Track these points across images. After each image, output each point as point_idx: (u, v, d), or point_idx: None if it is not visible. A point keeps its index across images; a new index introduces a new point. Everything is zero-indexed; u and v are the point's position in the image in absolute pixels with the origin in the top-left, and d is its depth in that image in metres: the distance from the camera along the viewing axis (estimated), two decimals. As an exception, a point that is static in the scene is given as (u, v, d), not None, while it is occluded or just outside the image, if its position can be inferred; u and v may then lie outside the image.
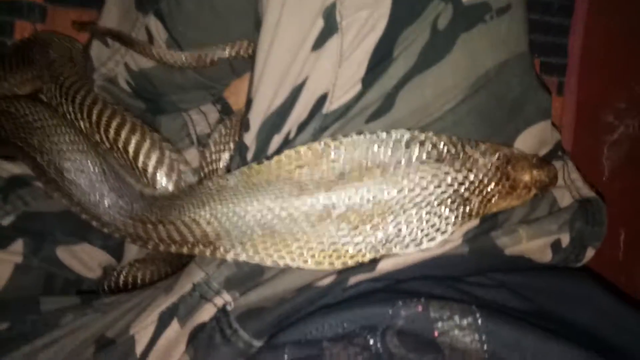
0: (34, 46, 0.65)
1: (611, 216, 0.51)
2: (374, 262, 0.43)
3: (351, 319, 0.36)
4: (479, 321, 0.34)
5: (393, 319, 0.34)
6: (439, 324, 0.34)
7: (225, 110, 0.63)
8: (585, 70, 0.73)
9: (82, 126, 0.54)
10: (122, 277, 0.61)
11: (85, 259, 0.55)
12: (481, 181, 0.43)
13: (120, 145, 0.53)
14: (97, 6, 0.63)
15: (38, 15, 0.75)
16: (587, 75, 0.73)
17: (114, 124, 0.53)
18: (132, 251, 0.60)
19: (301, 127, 0.46)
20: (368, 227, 0.44)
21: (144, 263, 0.61)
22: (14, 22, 0.75)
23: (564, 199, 0.49)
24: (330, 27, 0.44)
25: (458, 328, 0.34)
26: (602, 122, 0.69)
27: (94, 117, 0.53)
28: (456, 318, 0.34)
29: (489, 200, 0.43)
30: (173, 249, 0.48)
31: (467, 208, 0.43)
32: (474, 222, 0.44)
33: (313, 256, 0.45)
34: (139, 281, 0.61)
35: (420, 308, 0.34)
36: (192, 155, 0.59)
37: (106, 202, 0.51)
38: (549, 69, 0.76)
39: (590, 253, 0.47)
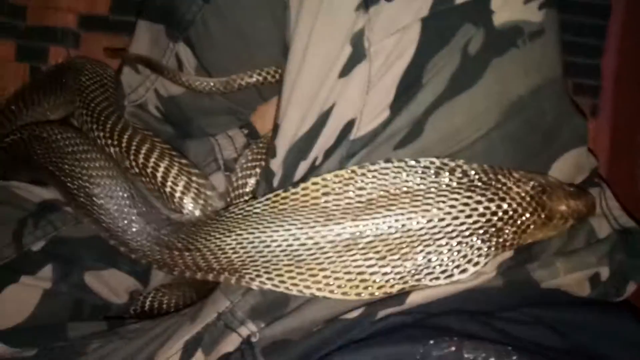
0: (67, 71, 0.67)
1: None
2: (404, 294, 0.42)
3: (380, 357, 0.34)
4: None
5: (424, 358, 0.33)
6: None
7: (252, 135, 0.63)
8: (619, 92, 0.71)
9: (112, 152, 0.54)
10: (148, 303, 0.61)
11: (112, 285, 0.56)
12: (515, 211, 0.41)
13: (149, 170, 0.53)
14: (129, 33, 0.64)
15: (72, 41, 0.77)
16: (622, 97, 0.71)
17: (143, 150, 0.54)
18: (158, 277, 0.60)
19: (328, 154, 0.46)
20: (396, 257, 0.43)
21: (170, 288, 0.61)
22: (49, 47, 0.77)
23: (602, 228, 0.47)
24: (358, 54, 0.43)
25: (493, 370, 0.32)
26: (638, 145, 0.66)
27: (124, 143, 0.54)
28: None
29: (524, 231, 0.41)
30: (199, 275, 0.48)
31: (501, 239, 0.42)
32: (509, 253, 0.43)
33: (340, 286, 0.43)
34: (164, 306, 0.61)
35: (453, 348, 0.33)
36: (219, 180, 0.59)
37: (134, 228, 0.51)
38: (582, 90, 0.74)
39: (631, 287, 0.45)
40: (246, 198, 0.56)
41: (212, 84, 0.55)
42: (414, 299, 0.42)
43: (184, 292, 0.62)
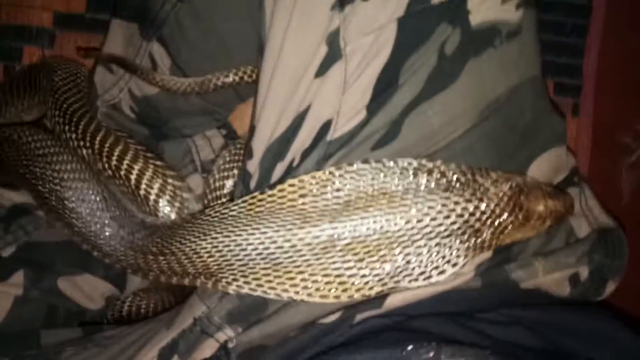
0: (40, 71, 0.65)
1: (630, 241, 0.48)
2: (382, 297, 0.41)
3: None
4: None
5: None
6: None
7: (230, 135, 0.62)
8: (600, 91, 0.71)
9: (85, 154, 0.53)
10: (125, 307, 0.60)
11: (87, 290, 0.54)
12: (493, 211, 0.41)
13: (123, 173, 0.52)
14: (105, 32, 0.63)
15: (46, 41, 0.75)
16: (603, 96, 0.71)
17: (116, 152, 0.53)
18: (135, 281, 0.59)
19: (305, 155, 0.45)
20: (375, 259, 0.42)
21: (148, 293, 0.60)
22: (23, 47, 0.76)
23: (582, 228, 0.47)
24: (334, 53, 0.43)
25: (472, 375, 0.32)
26: (619, 144, 0.67)
27: (97, 145, 0.53)
28: None
29: (502, 231, 0.41)
30: (174, 280, 0.47)
31: (479, 240, 0.41)
32: (487, 254, 0.42)
33: (318, 289, 0.43)
34: (142, 311, 0.60)
35: (432, 353, 0.32)
36: (196, 181, 0.58)
37: (107, 232, 0.50)
38: (564, 90, 0.74)
39: (611, 287, 0.44)
40: (224, 200, 0.55)
41: (187, 84, 0.54)
42: (392, 301, 0.41)
43: (162, 297, 0.61)
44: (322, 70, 0.43)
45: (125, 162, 0.52)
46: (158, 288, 0.61)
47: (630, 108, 0.66)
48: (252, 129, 0.48)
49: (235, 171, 0.56)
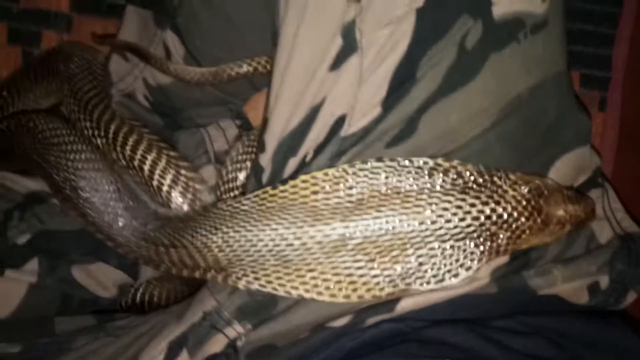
0: (57, 57, 0.65)
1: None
2: (394, 301, 0.40)
3: None
4: None
5: None
6: None
7: (245, 126, 0.61)
8: (630, 85, 0.68)
9: (99, 143, 0.53)
10: (139, 295, 0.60)
11: (101, 279, 0.55)
12: (510, 215, 0.40)
13: (136, 163, 0.52)
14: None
15: (64, 25, 0.75)
16: (633, 90, 0.68)
17: (130, 142, 0.52)
18: (148, 270, 0.59)
19: (318, 150, 0.44)
20: (386, 259, 0.41)
21: (161, 281, 0.60)
22: (41, 32, 0.75)
23: (604, 233, 0.45)
24: (349, 46, 0.41)
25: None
26: (647, 141, 0.64)
27: (111, 134, 0.53)
28: None
29: (519, 236, 0.40)
30: (185, 273, 0.47)
31: (495, 244, 0.40)
32: (504, 259, 0.41)
33: (328, 288, 0.42)
34: (155, 300, 0.60)
35: None
36: (209, 172, 0.58)
37: (120, 223, 0.50)
38: (591, 82, 0.71)
39: (632, 296, 0.43)
40: (236, 192, 0.55)
41: (200, 73, 0.53)
42: (404, 305, 0.40)
43: (175, 286, 0.61)
44: (337, 63, 0.42)
45: (139, 152, 0.52)
46: (171, 277, 0.61)
47: (661, 103, 0.63)
48: (264, 122, 0.47)
49: (249, 163, 0.55)
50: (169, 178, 0.51)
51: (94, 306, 0.56)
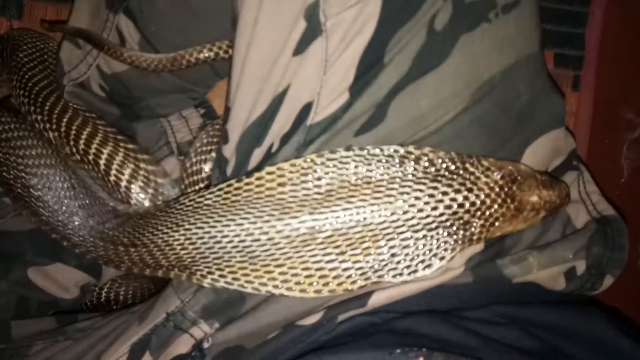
0: (6, 45, 0.61)
1: (630, 221, 0.46)
2: (366, 295, 0.39)
3: None
4: None
5: None
6: None
7: (209, 115, 0.59)
8: (603, 64, 0.67)
9: (51, 137, 0.50)
10: (103, 294, 0.58)
11: (60, 280, 0.52)
12: (483, 202, 0.38)
13: (91, 157, 0.49)
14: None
15: (15, 11, 0.70)
16: (606, 69, 0.67)
17: (84, 134, 0.49)
18: (111, 269, 0.56)
19: (284, 140, 0.42)
20: (357, 251, 0.39)
21: (127, 279, 0.58)
22: (-10, 17, 0.71)
23: (579, 216, 0.44)
24: (313, 29, 0.39)
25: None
26: (621, 120, 0.63)
27: (63, 127, 0.49)
28: None
29: (492, 223, 0.38)
30: (147, 272, 0.45)
31: (468, 232, 0.38)
32: (478, 247, 0.40)
33: (298, 283, 0.40)
34: (121, 298, 0.58)
35: (421, 359, 0.30)
36: (172, 165, 0.55)
37: (75, 222, 0.47)
38: (564, 61, 0.70)
39: (608, 281, 0.42)
40: (202, 185, 0.52)
41: (157, 60, 0.50)
42: (376, 299, 0.39)
43: (142, 283, 0.59)
44: (301, 47, 0.39)
45: (94, 145, 0.49)
46: (137, 275, 0.58)
47: (634, 82, 0.62)
48: (227, 111, 0.44)
49: (214, 154, 0.53)
50: (127, 172, 0.49)
51: (56, 308, 0.53)
